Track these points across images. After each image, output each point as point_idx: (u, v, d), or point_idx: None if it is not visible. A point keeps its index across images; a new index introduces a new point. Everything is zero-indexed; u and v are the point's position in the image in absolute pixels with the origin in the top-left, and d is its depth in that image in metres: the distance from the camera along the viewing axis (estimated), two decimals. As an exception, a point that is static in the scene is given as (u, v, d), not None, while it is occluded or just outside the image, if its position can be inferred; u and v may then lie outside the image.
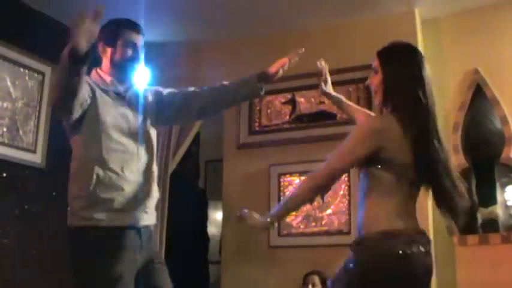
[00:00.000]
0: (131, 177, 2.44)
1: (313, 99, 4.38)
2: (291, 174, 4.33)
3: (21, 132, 4.02)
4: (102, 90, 2.46)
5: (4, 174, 3.87)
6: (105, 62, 2.53)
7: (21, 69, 4.04)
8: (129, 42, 2.50)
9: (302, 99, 4.42)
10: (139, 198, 2.44)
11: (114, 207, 2.38)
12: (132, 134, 2.48)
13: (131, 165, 2.44)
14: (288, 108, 4.47)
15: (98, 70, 2.55)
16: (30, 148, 4.09)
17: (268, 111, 4.52)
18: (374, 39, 4.17)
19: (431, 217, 3.92)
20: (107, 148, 2.39)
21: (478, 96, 4.05)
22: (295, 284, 3.87)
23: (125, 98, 2.53)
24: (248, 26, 4.53)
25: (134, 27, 2.54)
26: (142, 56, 2.56)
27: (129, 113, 2.51)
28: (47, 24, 4.23)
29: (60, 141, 4.25)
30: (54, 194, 4.23)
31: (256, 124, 4.54)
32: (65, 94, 2.16)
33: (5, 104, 3.91)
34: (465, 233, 3.89)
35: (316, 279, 3.80)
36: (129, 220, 2.41)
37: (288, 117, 4.45)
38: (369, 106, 4.11)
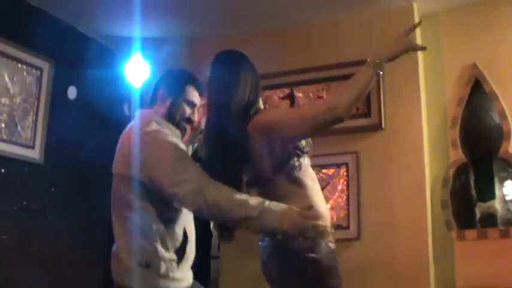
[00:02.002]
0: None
1: (311, 94, 4.37)
2: (289, 169, 4.31)
3: (19, 128, 4.01)
4: None
5: (2, 170, 3.86)
6: (161, 109, 2.46)
7: (19, 65, 4.03)
8: (190, 101, 2.46)
9: (300, 94, 4.41)
10: None
11: None
12: None
13: None
14: (286, 103, 4.46)
15: (151, 112, 2.48)
16: (28, 144, 4.08)
17: (267, 106, 4.50)
18: (373, 33, 4.20)
19: (430, 212, 3.93)
20: None
21: (477, 91, 4.05)
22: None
23: None
24: (247, 22, 4.52)
25: (199, 87, 2.49)
26: (197, 117, 2.50)
27: None
28: (45, 20, 4.23)
29: (59, 137, 4.28)
30: (52, 190, 4.24)
31: (255, 119, 4.53)
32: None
33: (3, 100, 3.90)
34: (463, 227, 3.90)
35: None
36: None
37: (286, 112, 4.44)
38: (368, 101, 4.12)
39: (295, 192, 2.15)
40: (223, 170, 2.16)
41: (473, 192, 3.96)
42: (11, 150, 3.94)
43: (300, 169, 2.18)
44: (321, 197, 2.25)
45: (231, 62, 2.31)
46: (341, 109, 1.96)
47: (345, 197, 4.09)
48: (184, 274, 2.38)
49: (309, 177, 2.25)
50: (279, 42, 4.56)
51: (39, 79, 4.20)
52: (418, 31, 4.13)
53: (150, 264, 2.21)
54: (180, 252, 2.32)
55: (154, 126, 2.35)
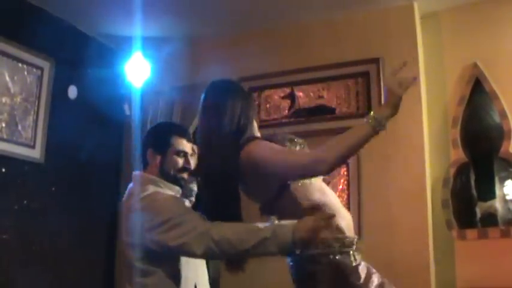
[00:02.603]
0: None
1: (312, 94, 4.37)
2: (290, 168, 4.32)
3: (20, 127, 4.01)
4: None
5: (3, 170, 3.86)
6: (153, 169, 2.45)
7: (20, 65, 4.03)
8: (180, 151, 2.44)
9: (301, 94, 4.41)
10: None
11: None
12: None
13: None
14: (287, 103, 4.46)
15: (146, 175, 2.46)
16: (29, 143, 4.08)
17: (267, 105, 4.51)
18: (373, 33, 4.20)
19: (430, 211, 3.93)
20: None
21: (477, 91, 4.04)
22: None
23: None
24: (247, 21, 4.52)
25: (185, 135, 2.48)
26: (192, 163, 2.48)
27: None
28: (46, 20, 4.23)
29: (59, 136, 4.28)
30: (53, 189, 4.24)
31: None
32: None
33: (3, 99, 3.91)
34: (464, 227, 3.90)
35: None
36: None
37: (287, 111, 4.44)
38: (368, 100, 4.13)
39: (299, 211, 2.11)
40: (223, 203, 2.15)
41: (474, 192, 3.96)
42: (12, 150, 3.94)
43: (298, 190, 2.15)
44: (339, 213, 2.13)
45: (219, 91, 2.28)
46: (325, 165, 1.92)
47: (345, 197, 4.09)
48: None
49: (315, 190, 2.19)
50: (279, 41, 4.55)
51: (40, 78, 4.20)
52: (418, 31, 4.14)
53: None
54: None
55: (151, 189, 2.35)
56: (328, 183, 4.07)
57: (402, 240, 3.82)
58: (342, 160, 1.97)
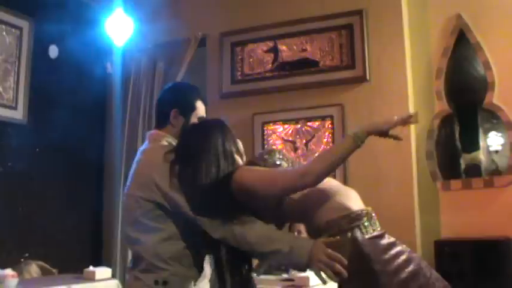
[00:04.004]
0: None
1: (295, 47, 4.34)
2: (274, 122, 4.34)
3: (1, 89, 3.97)
4: None
5: (-15, 132, 3.83)
6: (174, 129, 2.34)
7: (-2, 25, 3.97)
8: (201, 117, 2.37)
9: (284, 47, 4.38)
10: None
11: None
12: None
13: None
14: (270, 57, 4.43)
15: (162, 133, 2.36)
16: (11, 105, 4.04)
17: (251, 60, 4.48)
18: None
19: (415, 163, 3.96)
20: None
21: (461, 42, 4.03)
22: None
23: None
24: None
25: (205, 99, 2.43)
26: None
27: None
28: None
29: (41, 97, 4.24)
30: (37, 150, 4.22)
31: (239, 73, 4.51)
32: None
33: (-18, 61, 3.85)
34: (448, 178, 3.94)
35: (302, 226, 3.82)
36: None
37: (270, 65, 4.42)
38: (352, 52, 4.11)
39: (307, 206, 2.12)
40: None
41: (458, 144, 3.99)
42: (-7, 112, 3.91)
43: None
44: (340, 193, 2.14)
45: (201, 131, 2.23)
46: (311, 176, 1.95)
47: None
48: None
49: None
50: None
51: (19, 38, 4.13)
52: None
53: (168, 282, 2.21)
54: (198, 269, 2.31)
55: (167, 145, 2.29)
56: (312, 137, 4.14)
57: (387, 191, 3.86)
58: (327, 172, 1.99)
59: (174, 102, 2.35)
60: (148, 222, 2.17)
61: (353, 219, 2.03)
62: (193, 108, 2.34)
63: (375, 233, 2.03)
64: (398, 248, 1.99)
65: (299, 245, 2.01)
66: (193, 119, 2.32)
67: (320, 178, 1.98)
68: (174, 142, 2.28)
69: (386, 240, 2.02)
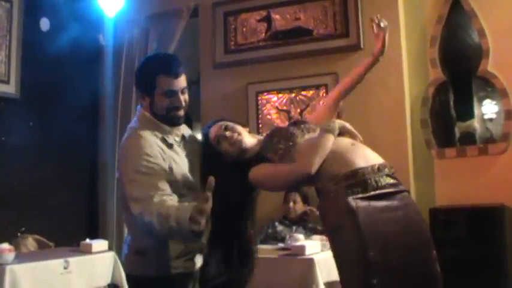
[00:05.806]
0: None
1: (288, 16, 4.31)
2: (268, 92, 4.33)
3: (-8, 63, 3.94)
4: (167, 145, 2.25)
5: (-22, 107, 3.81)
6: (146, 109, 2.28)
7: (-13, -2, 3.92)
8: (168, 91, 2.20)
9: (277, 16, 4.35)
10: None
11: None
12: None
13: None
14: (263, 26, 4.39)
15: (147, 114, 2.28)
16: (3, 79, 4.02)
17: (244, 29, 4.45)
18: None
19: (410, 131, 3.96)
20: None
21: (456, 9, 4.00)
22: (277, 201, 3.88)
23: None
24: None
25: (170, 72, 2.21)
26: (186, 99, 2.27)
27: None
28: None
29: (34, 70, 4.21)
30: (31, 124, 4.20)
31: (232, 43, 4.48)
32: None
33: (-27, 35, 3.81)
34: (443, 146, 3.95)
35: (297, 196, 3.84)
36: None
37: (263, 34, 4.39)
38: (346, 20, 4.08)
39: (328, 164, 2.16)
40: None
41: (453, 111, 3.99)
42: (-15, 86, 3.88)
43: None
44: (351, 150, 2.22)
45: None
46: (309, 166, 2.10)
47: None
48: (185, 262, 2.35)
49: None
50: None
51: (10, 12, 4.08)
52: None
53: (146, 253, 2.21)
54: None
55: (133, 134, 2.21)
56: (307, 106, 4.14)
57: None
58: (320, 160, 2.12)
59: (136, 85, 2.31)
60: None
61: (357, 176, 2.08)
62: (154, 86, 2.21)
63: (374, 192, 2.05)
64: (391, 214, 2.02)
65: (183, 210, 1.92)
66: (159, 97, 2.21)
67: (316, 167, 2.11)
68: (144, 128, 2.23)
69: (385, 202, 2.04)
